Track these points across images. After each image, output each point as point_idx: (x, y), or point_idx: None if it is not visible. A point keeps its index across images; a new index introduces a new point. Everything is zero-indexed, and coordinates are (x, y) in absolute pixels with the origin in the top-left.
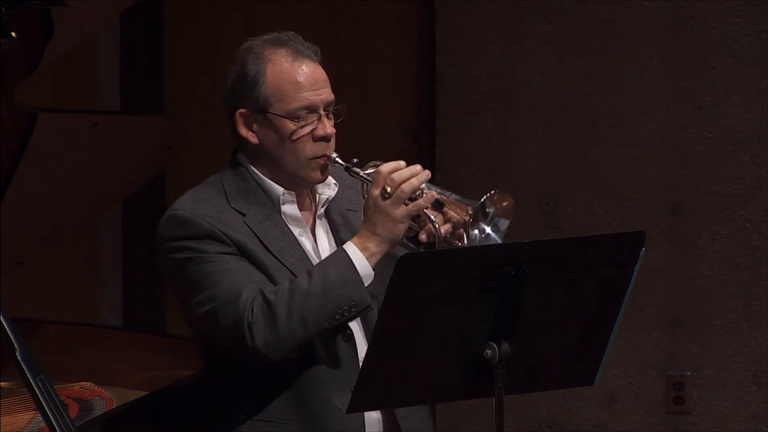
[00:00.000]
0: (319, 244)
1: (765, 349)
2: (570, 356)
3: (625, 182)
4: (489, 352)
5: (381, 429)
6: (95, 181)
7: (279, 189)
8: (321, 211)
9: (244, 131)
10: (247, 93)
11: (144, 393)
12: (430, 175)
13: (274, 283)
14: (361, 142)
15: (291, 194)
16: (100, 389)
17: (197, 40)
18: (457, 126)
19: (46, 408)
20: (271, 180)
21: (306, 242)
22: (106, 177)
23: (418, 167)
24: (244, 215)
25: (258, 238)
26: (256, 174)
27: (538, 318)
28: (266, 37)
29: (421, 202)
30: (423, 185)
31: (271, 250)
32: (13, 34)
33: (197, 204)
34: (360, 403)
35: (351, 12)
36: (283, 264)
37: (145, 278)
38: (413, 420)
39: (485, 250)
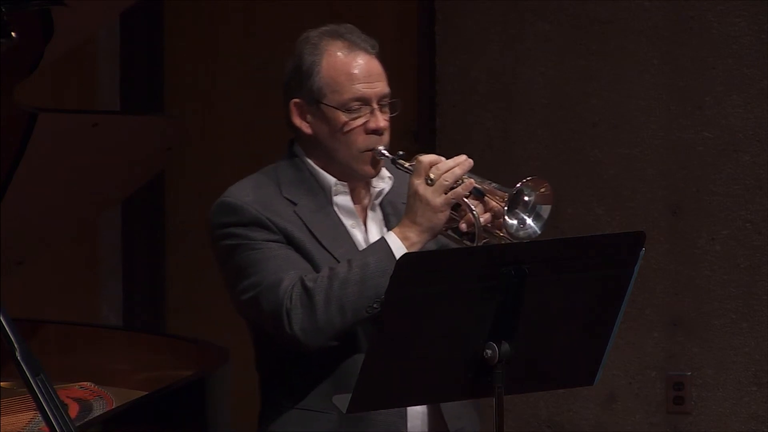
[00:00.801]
0: (370, 236)
1: (765, 349)
2: (570, 356)
3: (625, 182)
4: (489, 352)
5: (425, 421)
6: (95, 181)
7: (331, 180)
8: (375, 203)
9: (298, 121)
10: (302, 83)
11: (144, 393)
12: (472, 163)
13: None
14: None
15: (344, 185)
16: (100, 389)
17: (197, 40)
18: (457, 126)
19: (46, 408)
20: (325, 171)
21: (357, 234)
22: (106, 177)
23: (462, 157)
24: (295, 204)
25: (307, 227)
26: (310, 164)
27: (538, 318)
28: (324, 28)
29: (460, 190)
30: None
31: (319, 239)
32: (13, 34)
33: (248, 191)
34: (360, 403)
35: (351, 12)
36: (331, 254)
37: (145, 278)
38: (458, 413)
39: (485, 250)
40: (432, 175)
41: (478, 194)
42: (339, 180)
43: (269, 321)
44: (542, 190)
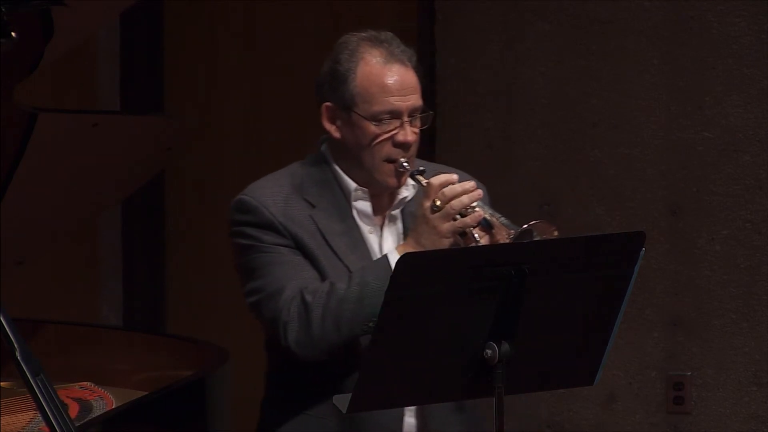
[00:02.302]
0: (385, 244)
1: (765, 349)
2: (570, 356)
3: (625, 182)
4: (489, 352)
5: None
6: (95, 181)
7: (352, 185)
8: (395, 212)
9: (327, 124)
10: (336, 88)
11: (144, 393)
12: (482, 194)
13: (329, 279)
14: None
15: (363, 191)
16: (100, 389)
17: (197, 40)
18: (457, 126)
19: (46, 408)
20: (348, 176)
21: (374, 240)
22: (106, 177)
23: (470, 184)
24: (313, 207)
25: (320, 232)
26: (335, 167)
27: (538, 318)
28: (364, 34)
29: (468, 220)
30: (474, 203)
31: (332, 245)
32: (13, 34)
33: (267, 191)
34: (360, 404)
35: (351, 12)
36: (341, 261)
37: (145, 278)
38: (444, 420)
39: (485, 250)
40: (438, 202)
41: (486, 226)
42: (361, 186)
43: (268, 328)
44: (555, 234)
